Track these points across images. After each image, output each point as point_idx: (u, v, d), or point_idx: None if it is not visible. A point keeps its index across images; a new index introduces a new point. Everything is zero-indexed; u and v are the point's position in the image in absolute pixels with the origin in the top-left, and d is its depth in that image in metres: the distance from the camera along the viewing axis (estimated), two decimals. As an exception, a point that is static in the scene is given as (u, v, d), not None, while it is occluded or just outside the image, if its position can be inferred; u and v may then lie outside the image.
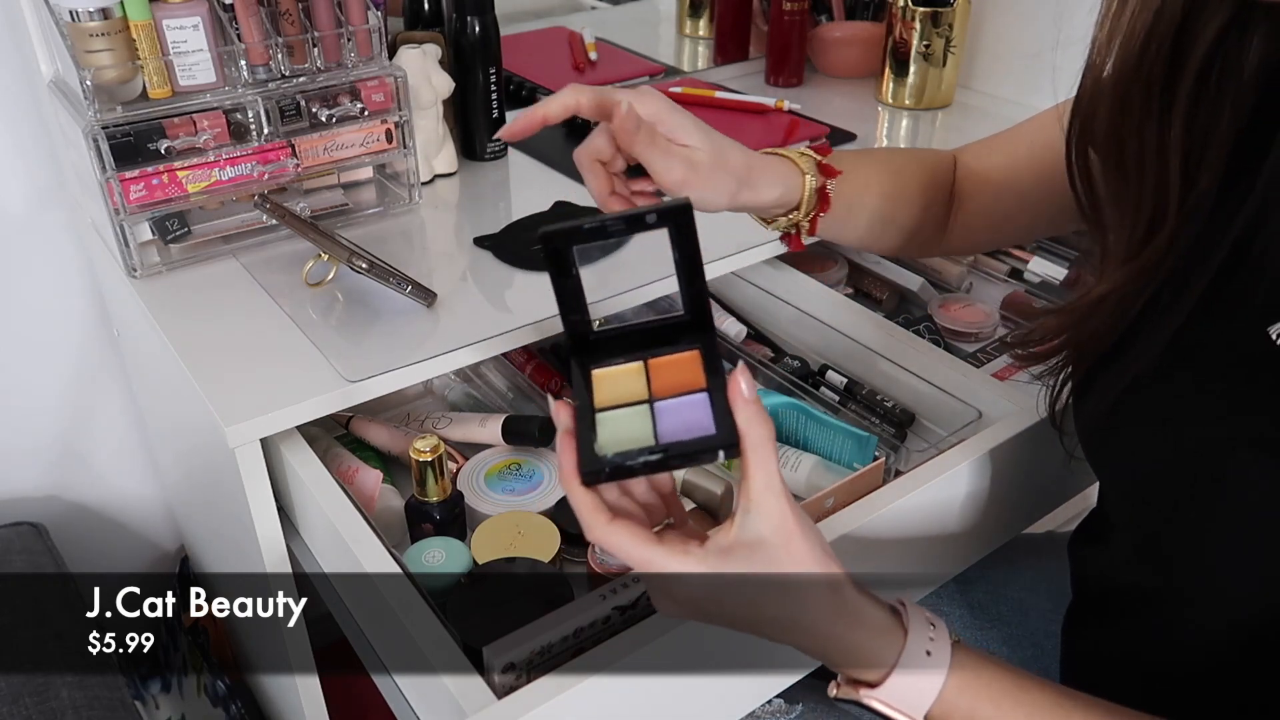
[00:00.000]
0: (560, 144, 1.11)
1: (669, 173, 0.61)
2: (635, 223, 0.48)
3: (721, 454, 0.47)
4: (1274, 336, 0.48)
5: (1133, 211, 0.56)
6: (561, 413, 0.49)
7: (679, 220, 0.48)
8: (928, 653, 0.49)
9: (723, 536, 0.47)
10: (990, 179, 0.77)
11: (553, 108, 0.61)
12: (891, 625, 0.50)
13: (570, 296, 0.50)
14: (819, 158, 0.69)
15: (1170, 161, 0.53)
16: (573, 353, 0.52)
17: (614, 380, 0.51)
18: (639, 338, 0.53)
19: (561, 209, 0.91)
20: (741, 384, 0.46)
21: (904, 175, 0.75)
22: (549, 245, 0.48)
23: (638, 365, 0.52)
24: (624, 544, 0.46)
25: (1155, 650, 0.59)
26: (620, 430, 0.49)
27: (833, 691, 0.51)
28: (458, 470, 0.81)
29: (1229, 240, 0.52)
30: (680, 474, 0.77)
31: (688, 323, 0.52)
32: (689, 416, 0.49)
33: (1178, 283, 0.54)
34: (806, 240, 0.73)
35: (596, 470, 0.47)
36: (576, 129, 1.14)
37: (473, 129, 1.01)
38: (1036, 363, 0.65)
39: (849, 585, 0.49)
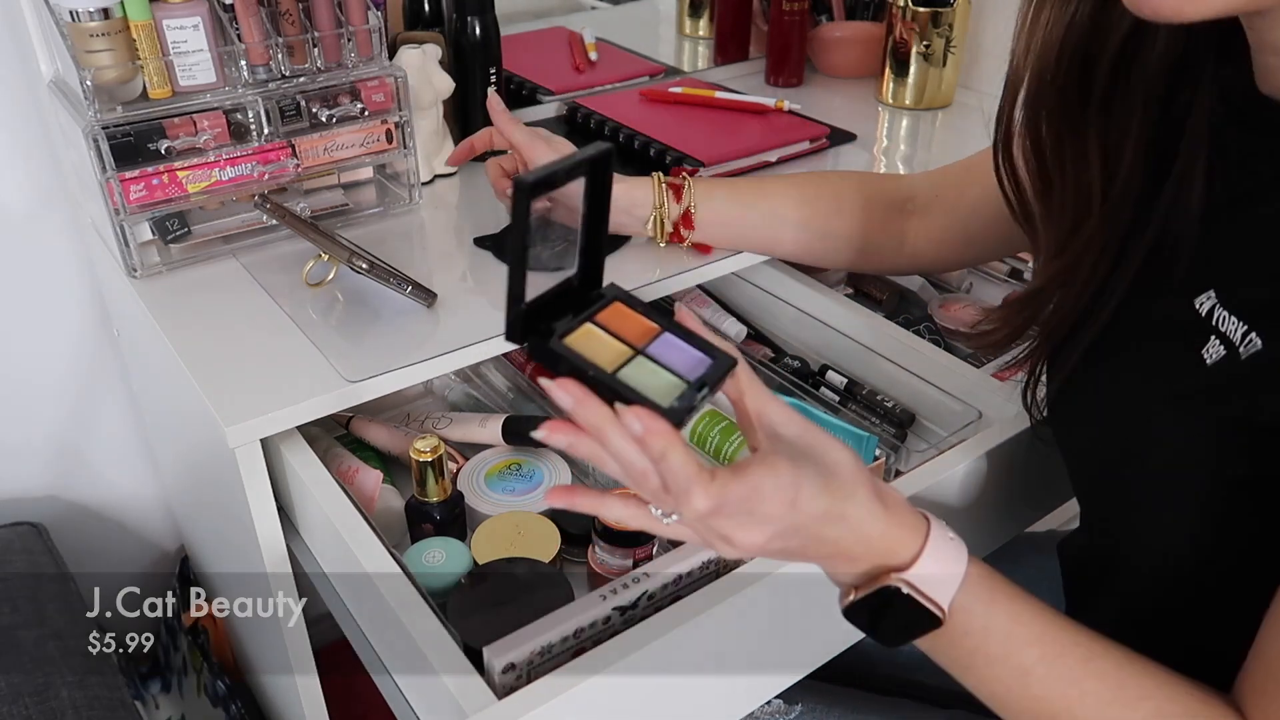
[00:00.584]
0: (560, 144, 1.11)
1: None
2: (574, 170, 0.48)
3: (731, 371, 0.49)
4: (1198, 306, 0.52)
5: (1058, 210, 0.61)
6: (587, 403, 0.45)
7: (598, 168, 0.49)
8: (950, 538, 0.51)
9: (769, 450, 0.48)
10: (963, 196, 0.80)
11: (478, 140, 0.85)
12: (916, 514, 0.51)
13: (522, 265, 0.47)
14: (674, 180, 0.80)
15: (1090, 160, 0.58)
16: (525, 336, 0.48)
17: (589, 344, 0.49)
18: (554, 307, 0.51)
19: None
20: (694, 318, 0.51)
21: (829, 186, 0.83)
22: (527, 194, 0.45)
23: (589, 326, 0.50)
24: (732, 492, 0.45)
25: (1117, 613, 0.62)
26: (651, 382, 0.47)
27: (850, 597, 0.51)
28: (458, 470, 0.81)
29: (1156, 224, 0.56)
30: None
31: (581, 284, 0.52)
32: (678, 355, 0.49)
33: (1119, 266, 0.58)
34: (695, 238, 0.83)
35: (680, 420, 0.45)
36: (576, 128, 1.14)
37: (473, 129, 1.01)
38: (996, 351, 0.72)
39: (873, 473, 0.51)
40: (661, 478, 0.45)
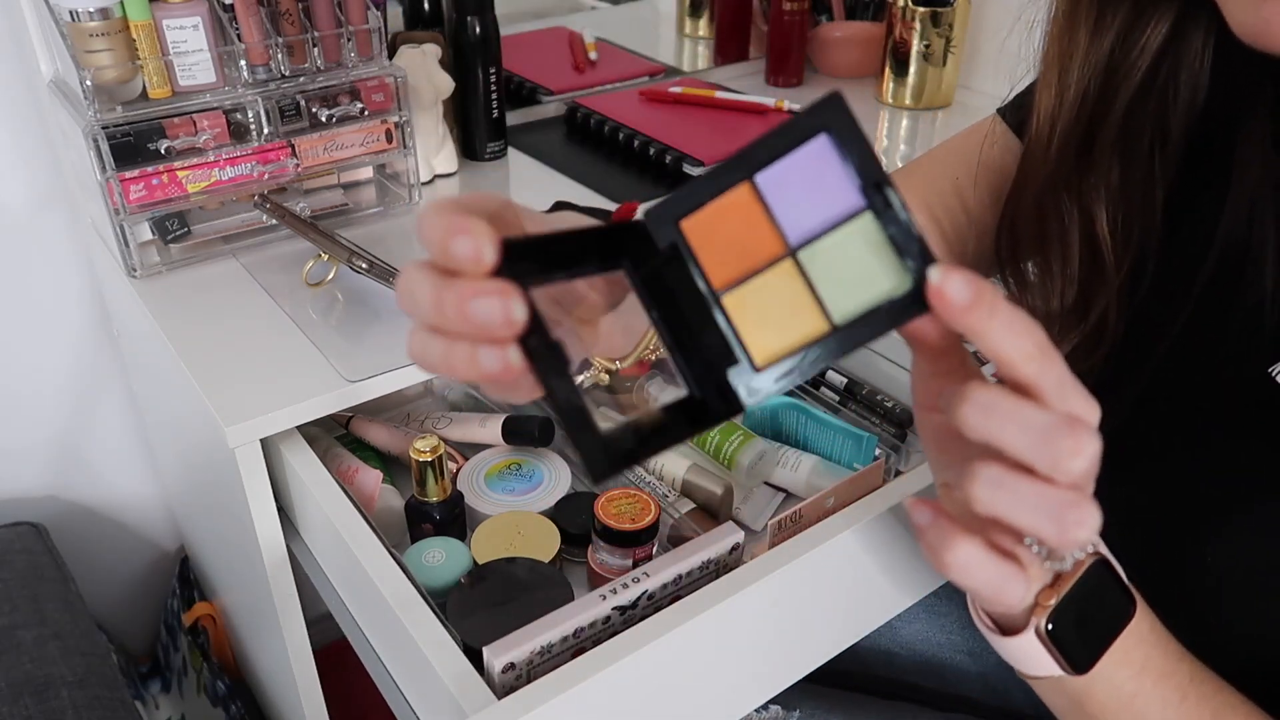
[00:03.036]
0: (560, 144, 1.11)
1: None
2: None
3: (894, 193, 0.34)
4: (1275, 376, 0.48)
5: (1060, 273, 0.56)
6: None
7: (651, 269, 0.37)
8: None
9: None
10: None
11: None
12: None
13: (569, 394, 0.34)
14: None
15: (1098, 225, 0.54)
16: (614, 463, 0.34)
17: (756, 304, 0.36)
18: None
19: (561, 208, 0.91)
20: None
21: None
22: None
23: (735, 293, 0.36)
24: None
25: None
26: (853, 278, 0.34)
27: (1051, 601, 0.41)
28: (458, 470, 0.81)
29: (1195, 294, 0.52)
30: (679, 472, 0.77)
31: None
32: (812, 193, 0.35)
33: (1141, 337, 0.55)
34: None
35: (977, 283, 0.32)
36: (576, 129, 1.14)
37: (473, 129, 1.01)
38: None
39: None
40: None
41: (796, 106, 1.14)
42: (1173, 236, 0.55)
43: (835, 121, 0.34)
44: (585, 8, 1.43)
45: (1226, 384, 0.51)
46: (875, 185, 0.33)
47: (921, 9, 1.16)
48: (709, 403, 0.36)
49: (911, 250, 0.33)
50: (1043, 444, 0.32)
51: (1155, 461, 0.55)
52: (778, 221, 0.35)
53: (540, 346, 0.32)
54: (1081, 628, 0.42)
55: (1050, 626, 0.41)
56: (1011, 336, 0.32)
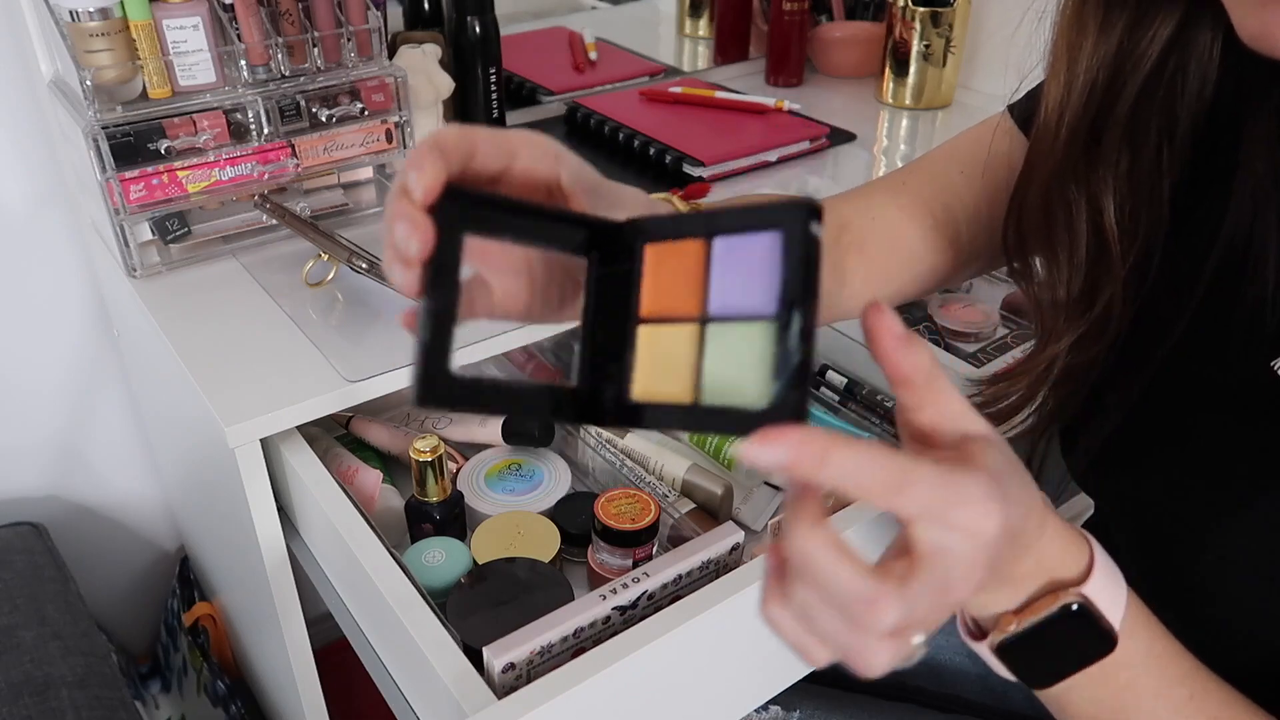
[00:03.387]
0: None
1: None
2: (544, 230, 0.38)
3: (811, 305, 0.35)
4: (1277, 370, 0.48)
5: (1067, 264, 0.57)
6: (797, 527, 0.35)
7: (614, 245, 0.40)
8: (1106, 552, 0.45)
9: (971, 455, 0.38)
10: (912, 216, 0.68)
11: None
12: (1068, 523, 0.44)
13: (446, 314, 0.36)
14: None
15: (1105, 216, 0.54)
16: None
17: (655, 369, 0.38)
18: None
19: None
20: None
21: None
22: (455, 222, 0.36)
23: (644, 331, 0.39)
24: (925, 479, 0.34)
25: None
26: (729, 376, 0.35)
27: (1007, 629, 0.42)
28: (458, 470, 0.81)
29: (1200, 286, 0.52)
30: (679, 472, 0.77)
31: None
32: (744, 280, 0.36)
33: (1147, 329, 0.55)
34: None
35: (797, 413, 0.33)
36: (575, 129, 1.14)
37: (473, 129, 1.01)
38: (1004, 423, 0.64)
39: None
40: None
41: (797, 106, 1.14)
42: (1179, 229, 0.55)
43: (792, 227, 0.34)
44: (585, 8, 1.43)
45: (1229, 377, 0.51)
46: (790, 304, 0.34)
47: (921, 9, 1.16)
48: (579, 398, 0.39)
49: (783, 378, 0.33)
50: (845, 612, 0.34)
51: (1160, 453, 0.55)
52: (709, 287, 0.37)
53: (438, 280, 0.35)
54: (1041, 654, 0.42)
55: (1004, 645, 0.42)
56: (852, 481, 0.33)
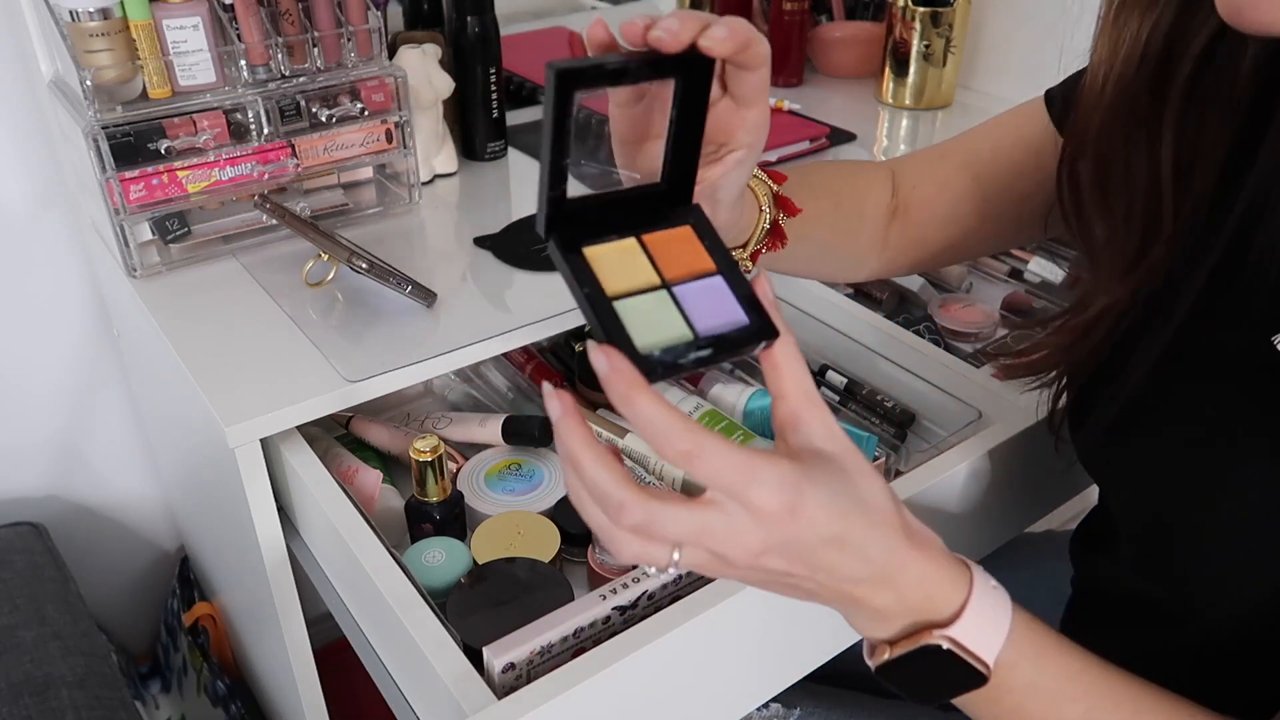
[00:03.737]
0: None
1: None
2: (655, 68, 0.43)
3: (763, 345, 0.41)
4: (1278, 345, 0.48)
5: (1123, 223, 0.57)
6: (612, 358, 0.39)
7: (698, 74, 0.43)
8: (994, 587, 0.46)
9: (785, 450, 0.42)
10: (947, 186, 0.72)
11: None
12: (956, 561, 0.46)
13: (561, 156, 0.42)
14: (775, 186, 0.62)
15: (1162, 171, 0.54)
16: (550, 231, 0.43)
17: (613, 261, 0.43)
18: (616, 211, 0.45)
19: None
20: (767, 283, 0.43)
21: (847, 204, 0.71)
22: (563, 83, 0.41)
23: (631, 242, 0.44)
24: (718, 450, 0.38)
25: (1160, 656, 0.58)
26: (648, 322, 0.41)
27: (883, 656, 0.45)
28: (458, 470, 0.81)
29: (1219, 248, 0.52)
30: (679, 472, 0.77)
31: (664, 194, 0.46)
32: (713, 303, 0.42)
33: (1168, 293, 0.54)
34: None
35: (648, 374, 0.39)
36: (581, 129, 1.14)
37: (473, 129, 1.01)
38: (1026, 374, 0.65)
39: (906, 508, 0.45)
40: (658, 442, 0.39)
41: (797, 106, 1.14)
42: (1222, 193, 0.54)
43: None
44: (585, 8, 1.43)
45: (1233, 345, 0.51)
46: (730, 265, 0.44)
47: (921, 9, 1.16)
48: (669, 187, 0.46)
49: (678, 351, 0.41)
50: (604, 535, 0.41)
51: (1171, 423, 0.54)
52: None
53: (557, 136, 0.42)
54: (916, 681, 0.46)
55: (881, 669, 0.46)
56: (647, 431, 0.38)
